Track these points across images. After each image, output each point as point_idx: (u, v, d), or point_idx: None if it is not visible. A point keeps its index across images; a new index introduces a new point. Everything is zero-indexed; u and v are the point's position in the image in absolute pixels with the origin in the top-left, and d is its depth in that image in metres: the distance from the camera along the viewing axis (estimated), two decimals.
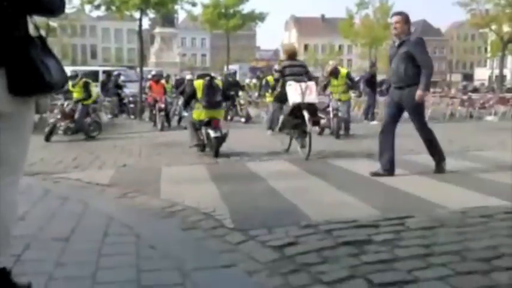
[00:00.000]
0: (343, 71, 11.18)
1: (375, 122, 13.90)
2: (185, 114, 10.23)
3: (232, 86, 14.72)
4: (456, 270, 2.74)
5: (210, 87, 8.04)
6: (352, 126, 12.02)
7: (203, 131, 8.04)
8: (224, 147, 8.18)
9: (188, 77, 14.97)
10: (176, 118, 14.35)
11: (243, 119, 14.90)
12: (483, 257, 2.91)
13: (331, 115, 10.34)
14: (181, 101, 12.30)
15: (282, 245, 3.25)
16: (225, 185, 5.44)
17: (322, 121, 9.26)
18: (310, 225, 3.69)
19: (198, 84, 8.16)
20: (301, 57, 58.31)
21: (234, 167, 6.85)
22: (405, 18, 5.93)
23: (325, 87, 10.99)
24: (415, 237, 3.36)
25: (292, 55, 8.21)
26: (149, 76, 17.57)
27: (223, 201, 4.61)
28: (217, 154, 7.72)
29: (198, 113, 8.09)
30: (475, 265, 2.81)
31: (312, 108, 7.65)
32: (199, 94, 8.05)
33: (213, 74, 15.43)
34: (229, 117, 14.64)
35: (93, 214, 4.13)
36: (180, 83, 17.29)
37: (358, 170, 6.35)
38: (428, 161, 7.01)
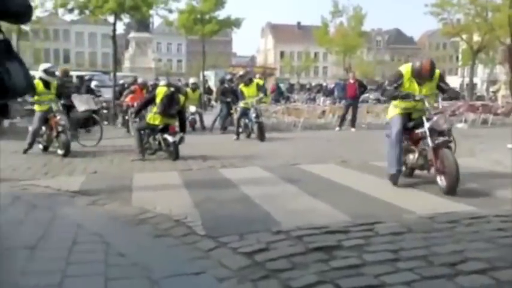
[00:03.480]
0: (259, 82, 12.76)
1: (352, 130, 14.07)
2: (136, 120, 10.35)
3: (229, 92, 13.59)
4: (422, 274, 2.80)
5: (171, 98, 8.26)
6: (329, 132, 12.18)
7: (158, 137, 8.25)
8: (197, 154, 8.25)
9: (162, 83, 14.83)
10: None
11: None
12: (448, 262, 2.97)
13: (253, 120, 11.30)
14: None
15: (252, 252, 3.26)
16: (198, 191, 5.43)
17: None
18: (281, 231, 3.71)
19: (161, 90, 8.37)
20: (277, 64, 58.73)
21: (207, 174, 6.83)
22: None
23: None
24: (384, 242, 3.41)
25: None
26: (121, 81, 17.43)
27: (195, 208, 4.60)
28: (177, 157, 7.97)
29: (153, 117, 8.28)
30: (441, 270, 2.88)
31: None
32: (157, 100, 8.25)
33: (191, 80, 15.37)
34: (224, 126, 13.70)
35: (61, 222, 4.06)
36: (153, 89, 17.09)
37: (329, 175, 6.41)
38: None
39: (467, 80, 46.41)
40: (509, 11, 23.11)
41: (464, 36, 29.14)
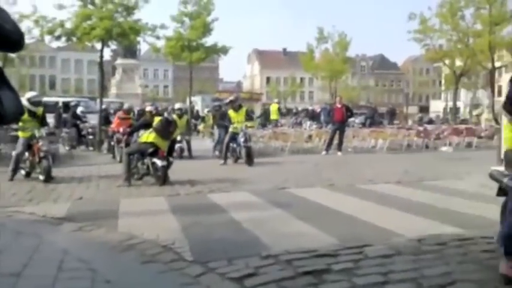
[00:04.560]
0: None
1: (339, 154, 14.14)
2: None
3: (226, 116, 12.89)
4: None
5: (169, 122, 8.69)
6: (316, 156, 12.21)
7: (147, 161, 8.26)
8: (185, 179, 8.23)
9: (148, 108, 14.71)
10: None
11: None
12: (438, 284, 2.98)
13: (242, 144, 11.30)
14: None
15: (241, 277, 3.23)
16: (186, 217, 5.38)
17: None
18: (271, 255, 3.68)
19: (157, 118, 8.70)
20: (263, 89, 58.95)
21: (195, 199, 6.79)
22: None
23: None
24: (373, 265, 3.41)
25: None
26: (103, 106, 17.35)
27: (183, 234, 4.55)
28: (164, 182, 7.97)
29: (147, 135, 8.36)
30: None
31: None
32: (155, 122, 8.45)
33: (177, 105, 14.93)
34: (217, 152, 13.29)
35: (47, 248, 3.99)
36: (140, 114, 17.00)
37: (317, 199, 6.42)
38: (387, 190, 7.19)
39: (450, 104, 47.29)
40: (489, 37, 23.82)
41: (446, 62, 29.82)
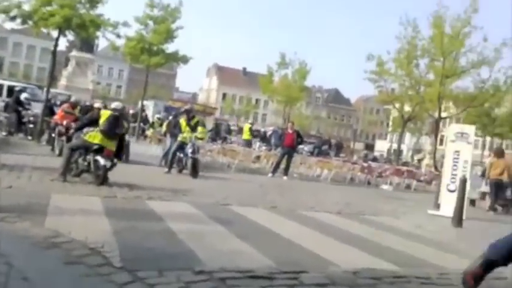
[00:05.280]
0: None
1: (285, 178, 14.17)
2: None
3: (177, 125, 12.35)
4: None
5: (116, 118, 8.15)
6: (262, 178, 12.12)
7: (89, 157, 7.86)
8: (123, 182, 7.94)
9: (97, 105, 14.11)
10: None
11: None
12: None
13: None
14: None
15: None
16: (119, 221, 5.12)
17: None
18: (204, 271, 3.53)
19: (105, 113, 8.24)
20: (218, 104, 58.98)
21: (132, 203, 6.51)
22: None
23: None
24: None
25: None
26: (57, 98, 16.64)
27: (114, 238, 4.31)
28: (103, 183, 7.63)
29: (94, 135, 7.94)
30: None
31: None
32: (102, 120, 8.02)
33: (114, 104, 14.04)
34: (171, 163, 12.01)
35: None
36: (86, 110, 16.24)
37: (258, 219, 6.33)
38: (327, 219, 7.22)
39: (395, 145, 49.03)
40: (439, 88, 24.98)
41: (396, 105, 30.90)
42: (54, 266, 3.35)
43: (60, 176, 7.65)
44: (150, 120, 28.02)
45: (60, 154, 11.58)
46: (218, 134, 29.63)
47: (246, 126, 23.62)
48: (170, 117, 16.50)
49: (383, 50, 54.47)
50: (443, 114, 28.43)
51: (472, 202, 12.66)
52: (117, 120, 8.16)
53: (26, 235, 4.02)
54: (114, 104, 8.81)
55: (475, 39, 24.68)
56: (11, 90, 20.73)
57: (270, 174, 14.40)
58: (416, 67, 27.19)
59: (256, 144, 24.31)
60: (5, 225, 4.30)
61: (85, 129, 8.38)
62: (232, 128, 35.71)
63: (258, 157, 16.98)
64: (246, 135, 22.28)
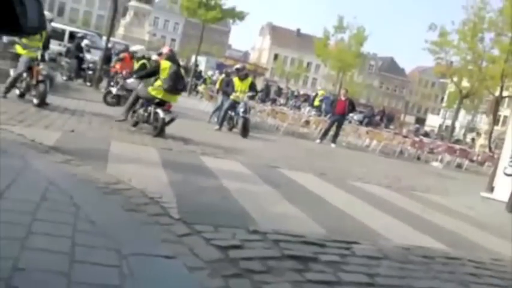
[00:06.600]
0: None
1: (333, 145, 14.02)
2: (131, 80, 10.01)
3: (230, 83, 12.21)
4: None
5: (178, 73, 8.13)
6: (310, 143, 12.05)
7: (151, 108, 8.01)
8: (178, 135, 8.12)
9: (154, 57, 14.32)
10: None
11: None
12: None
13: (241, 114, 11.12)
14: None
15: (227, 246, 3.14)
16: (176, 173, 5.26)
17: None
18: (258, 231, 3.59)
19: (165, 65, 8.12)
20: (269, 65, 58.25)
21: (187, 157, 6.66)
22: None
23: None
24: (360, 264, 3.33)
25: None
26: (115, 47, 16.93)
27: (171, 190, 4.43)
28: (159, 134, 7.78)
29: (157, 91, 8.04)
30: None
31: None
32: (163, 75, 8.02)
33: (134, 48, 14.02)
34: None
35: (32, 174, 3.85)
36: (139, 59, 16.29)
37: (307, 185, 6.33)
38: (377, 191, 7.14)
39: (447, 121, 47.39)
40: (504, 65, 23.65)
41: (455, 79, 29.63)
42: (116, 212, 3.49)
43: (123, 114, 8.28)
44: (204, 76, 28.20)
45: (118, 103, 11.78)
46: (268, 95, 29.53)
47: (321, 92, 23.81)
48: (223, 75, 16.48)
49: (447, 20, 51.87)
50: (505, 93, 27.03)
51: None
52: (179, 74, 8.19)
53: (89, 179, 4.19)
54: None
55: None
56: (72, 36, 21.27)
57: (318, 141, 14.29)
58: (480, 41, 25.82)
59: (306, 108, 24.09)
60: (69, 167, 4.49)
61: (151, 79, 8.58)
62: (284, 92, 34.97)
63: (307, 122, 16.84)
64: (317, 102, 22.37)
